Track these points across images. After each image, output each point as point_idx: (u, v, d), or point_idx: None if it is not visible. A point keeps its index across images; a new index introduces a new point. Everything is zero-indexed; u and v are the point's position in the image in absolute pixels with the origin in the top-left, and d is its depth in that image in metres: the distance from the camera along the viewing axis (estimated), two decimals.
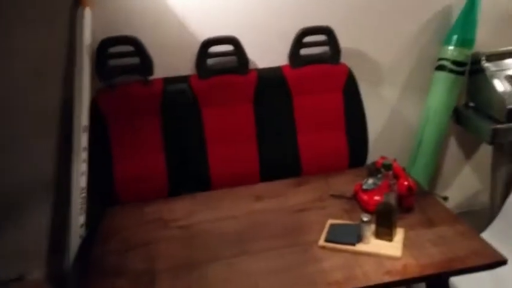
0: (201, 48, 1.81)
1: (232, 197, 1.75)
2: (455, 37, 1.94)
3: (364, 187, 1.61)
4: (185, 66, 1.88)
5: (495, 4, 2.02)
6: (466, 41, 1.93)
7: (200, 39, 1.81)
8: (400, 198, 1.50)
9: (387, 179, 1.49)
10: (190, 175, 1.85)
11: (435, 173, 2.24)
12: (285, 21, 1.89)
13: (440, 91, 2.01)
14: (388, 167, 1.49)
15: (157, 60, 1.79)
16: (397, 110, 2.16)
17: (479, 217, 2.32)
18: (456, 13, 1.97)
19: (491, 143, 1.94)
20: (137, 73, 1.79)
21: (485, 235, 1.67)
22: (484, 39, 2.01)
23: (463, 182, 2.38)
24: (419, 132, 2.09)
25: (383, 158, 1.66)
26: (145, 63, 1.77)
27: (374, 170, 1.65)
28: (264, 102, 1.88)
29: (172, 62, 1.86)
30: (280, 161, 1.91)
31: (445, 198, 1.73)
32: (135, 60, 1.77)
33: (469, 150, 2.32)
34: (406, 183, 1.52)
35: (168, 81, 1.84)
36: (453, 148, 2.29)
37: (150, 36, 1.78)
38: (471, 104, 2.06)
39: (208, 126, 1.86)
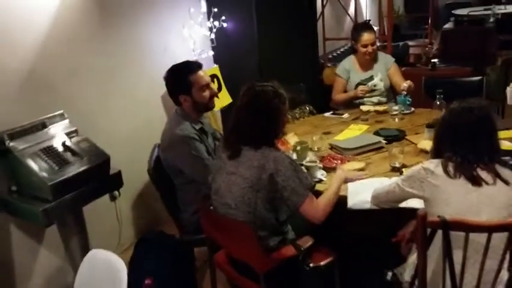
0: None
1: None
2: None
3: None
4: None
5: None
6: None
7: None
8: None
9: None
10: None
11: None
12: None
13: None
14: None
15: None
16: None
17: None
18: None
19: (47, 225, 1.75)
20: None
21: None
22: (3, 115, 1.80)
23: (44, 271, 2.09)
24: None
25: None
26: None
27: None
28: None
29: None
30: None
31: None
32: None
33: (37, 233, 2.05)
34: None
35: None
36: (18, 240, 1.95)
37: None
38: (14, 188, 1.80)
39: None
